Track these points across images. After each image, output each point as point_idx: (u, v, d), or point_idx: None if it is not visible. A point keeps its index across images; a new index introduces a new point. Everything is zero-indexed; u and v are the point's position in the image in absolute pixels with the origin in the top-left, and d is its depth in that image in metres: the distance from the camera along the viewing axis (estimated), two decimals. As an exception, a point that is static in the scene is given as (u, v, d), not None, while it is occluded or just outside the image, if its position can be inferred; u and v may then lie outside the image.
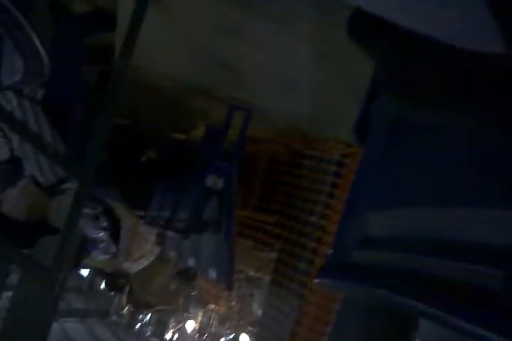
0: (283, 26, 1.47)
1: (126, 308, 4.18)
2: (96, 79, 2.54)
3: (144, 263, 3.43)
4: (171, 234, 2.86)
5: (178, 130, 3.36)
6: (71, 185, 2.19)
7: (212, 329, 3.68)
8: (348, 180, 2.41)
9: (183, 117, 3.16)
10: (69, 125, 2.24)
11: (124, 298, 4.20)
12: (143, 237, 3.32)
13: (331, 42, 1.44)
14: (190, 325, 3.95)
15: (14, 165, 2.32)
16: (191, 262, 2.93)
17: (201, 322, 3.83)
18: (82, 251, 4.20)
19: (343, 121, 2.08)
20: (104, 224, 3.71)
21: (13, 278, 3.71)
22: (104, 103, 1.78)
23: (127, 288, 4.12)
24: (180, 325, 4.02)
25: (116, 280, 3.56)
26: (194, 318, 3.92)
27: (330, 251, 0.98)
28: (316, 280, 0.94)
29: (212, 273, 2.70)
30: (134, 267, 3.45)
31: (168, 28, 1.97)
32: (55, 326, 3.58)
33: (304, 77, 1.82)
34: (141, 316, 4.10)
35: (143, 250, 3.36)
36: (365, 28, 0.24)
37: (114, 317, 4.22)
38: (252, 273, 3.24)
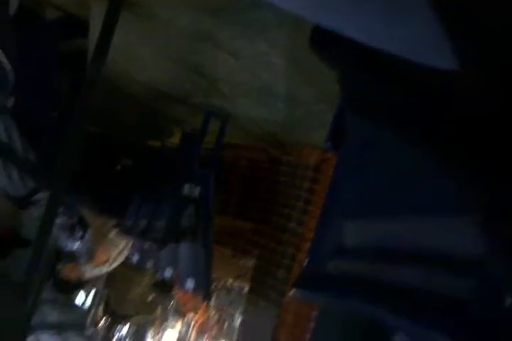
0: (255, 33, 1.46)
1: (103, 320, 4.09)
2: (69, 86, 2.50)
3: (104, 270, 3.35)
4: (147, 243, 2.81)
5: (154, 137, 3.33)
6: (43, 196, 2.14)
7: (191, 339, 3.62)
8: (325, 186, 2.40)
9: (159, 124, 3.12)
10: (40, 134, 2.19)
11: (100, 309, 4.11)
12: (112, 242, 3.25)
13: (303, 48, 1.42)
14: (169, 336, 3.88)
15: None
16: (168, 273, 2.89)
17: (180, 333, 3.77)
18: (57, 262, 4.10)
19: (317, 127, 2.08)
20: (80, 233, 3.63)
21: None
22: (76, 110, 1.75)
23: (103, 300, 4.03)
24: (159, 337, 3.95)
25: (68, 282, 3.44)
26: (172, 329, 3.86)
27: (305, 261, 0.96)
28: (292, 292, 0.92)
29: (190, 284, 2.66)
30: (94, 273, 3.36)
31: (142, 35, 1.94)
32: (31, 339, 3.49)
33: (277, 83, 1.81)
34: (118, 328, 4.02)
35: (108, 255, 3.29)
36: (325, 42, 0.22)
37: (90, 330, 4.13)
38: (230, 281, 3.21)
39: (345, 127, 0.92)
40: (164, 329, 3.92)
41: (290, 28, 1.37)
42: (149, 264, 3.08)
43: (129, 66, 2.27)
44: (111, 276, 3.82)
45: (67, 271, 3.39)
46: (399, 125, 0.19)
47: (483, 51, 0.15)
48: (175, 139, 2.96)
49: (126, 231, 2.97)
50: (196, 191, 2.52)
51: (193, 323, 3.65)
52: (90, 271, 3.32)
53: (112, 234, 3.20)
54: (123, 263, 3.44)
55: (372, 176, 0.81)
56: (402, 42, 0.17)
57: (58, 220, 3.23)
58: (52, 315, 3.49)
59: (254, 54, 1.59)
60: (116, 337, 4.04)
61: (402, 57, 0.18)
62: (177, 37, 1.80)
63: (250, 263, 2.96)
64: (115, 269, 3.50)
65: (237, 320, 3.19)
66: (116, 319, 3.95)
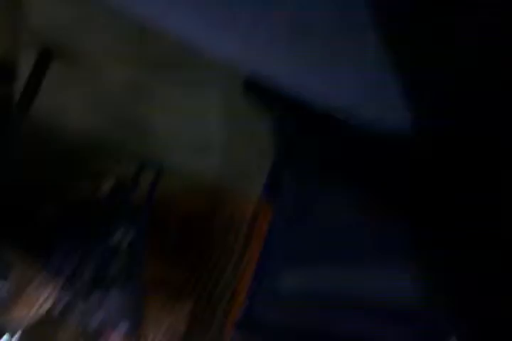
0: (191, 90, 1.50)
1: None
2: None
3: (22, 324, 3.12)
4: (71, 292, 2.67)
5: (83, 187, 3.23)
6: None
7: None
8: (261, 239, 2.41)
9: (90, 173, 3.05)
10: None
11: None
12: (34, 294, 3.05)
13: (238, 105, 1.47)
14: None
15: None
16: (95, 322, 2.74)
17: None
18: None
19: (253, 179, 2.12)
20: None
21: None
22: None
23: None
24: None
25: None
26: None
27: (242, 309, 0.97)
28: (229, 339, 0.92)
29: (123, 325, 2.55)
30: (12, 326, 3.12)
31: (72, 85, 1.93)
32: None
33: (212, 137, 1.84)
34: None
35: (28, 308, 3.07)
36: (259, 90, 0.25)
37: None
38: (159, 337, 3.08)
39: (281, 181, 0.96)
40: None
41: (227, 85, 1.41)
42: (74, 313, 2.91)
43: (58, 115, 2.24)
44: (30, 331, 3.55)
45: None
46: (332, 180, 0.21)
47: (438, 112, 0.17)
48: (106, 188, 2.90)
49: (49, 280, 2.81)
50: (127, 238, 2.47)
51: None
52: (7, 324, 3.07)
53: (32, 286, 3.01)
54: (44, 317, 3.22)
55: (306, 227, 0.85)
56: (345, 93, 0.19)
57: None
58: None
59: (190, 110, 1.63)
60: None
61: (344, 113, 0.20)
62: (110, 89, 1.80)
63: (184, 312, 2.87)
64: (35, 323, 3.26)
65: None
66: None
